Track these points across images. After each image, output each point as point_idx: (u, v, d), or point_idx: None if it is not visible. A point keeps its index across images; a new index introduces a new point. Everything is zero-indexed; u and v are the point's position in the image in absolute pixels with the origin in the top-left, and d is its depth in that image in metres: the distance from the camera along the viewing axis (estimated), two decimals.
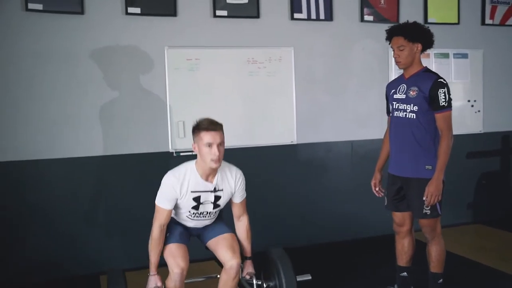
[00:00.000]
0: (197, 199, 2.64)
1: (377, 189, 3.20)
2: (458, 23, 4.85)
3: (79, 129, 3.74)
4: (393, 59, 4.47)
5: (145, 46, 3.87)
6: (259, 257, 3.01)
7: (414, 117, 2.84)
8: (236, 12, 4.07)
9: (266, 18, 4.19)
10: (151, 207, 3.89)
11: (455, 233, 4.62)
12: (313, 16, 4.32)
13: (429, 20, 4.71)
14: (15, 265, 3.65)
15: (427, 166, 2.82)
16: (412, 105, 2.85)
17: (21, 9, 3.54)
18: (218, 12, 4.01)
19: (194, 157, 3.81)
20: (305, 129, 4.37)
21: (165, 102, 3.94)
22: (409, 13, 4.64)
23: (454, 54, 4.86)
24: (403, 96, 2.91)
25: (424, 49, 2.92)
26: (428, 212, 2.85)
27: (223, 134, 2.58)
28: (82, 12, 3.67)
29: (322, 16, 4.35)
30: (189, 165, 2.65)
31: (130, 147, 3.88)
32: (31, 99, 3.63)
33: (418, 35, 2.88)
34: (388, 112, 3.16)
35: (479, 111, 5.00)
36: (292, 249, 3.96)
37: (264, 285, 2.89)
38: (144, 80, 3.89)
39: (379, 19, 4.54)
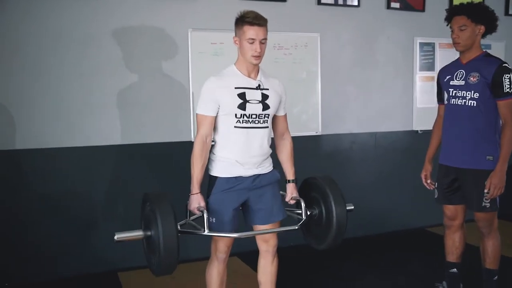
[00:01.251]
0: (242, 96, 2.36)
1: (428, 181, 3.03)
2: None
3: (97, 116, 3.49)
4: (417, 50, 4.46)
5: (168, 28, 3.62)
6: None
7: (475, 105, 2.67)
8: None
9: (293, 2, 3.98)
10: (173, 198, 3.71)
11: (475, 227, 4.51)
12: (341, 1, 4.13)
13: None
14: (24, 260, 3.39)
15: (488, 157, 2.66)
16: (472, 92, 2.67)
17: None
18: None
19: None
20: (329, 119, 4.19)
21: (188, 89, 3.70)
22: (434, 1, 4.51)
23: None
24: (462, 83, 2.72)
25: (486, 33, 2.74)
26: (488, 205, 2.69)
27: (266, 30, 2.39)
28: None
29: (349, 1, 4.16)
30: (229, 66, 2.48)
31: (150, 135, 3.64)
32: (49, 82, 3.36)
33: (483, 17, 2.69)
34: (439, 99, 2.98)
35: None
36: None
37: (308, 211, 2.53)
38: (166, 64, 3.65)
39: (405, 6, 4.38)
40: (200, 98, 2.40)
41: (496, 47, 4.81)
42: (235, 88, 2.37)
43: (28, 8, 3.28)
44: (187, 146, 3.69)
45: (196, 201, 2.41)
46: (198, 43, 3.69)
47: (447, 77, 2.84)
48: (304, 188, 2.65)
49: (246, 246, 3.88)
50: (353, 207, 2.54)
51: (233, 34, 3.71)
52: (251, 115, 2.39)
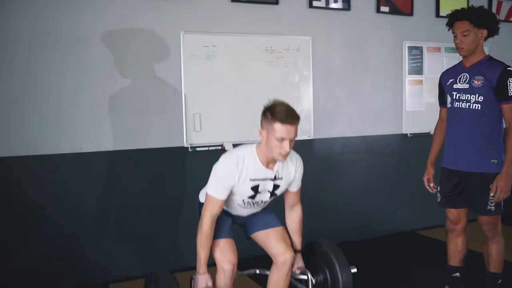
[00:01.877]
0: (255, 188, 2.37)
1: (431, 184, 3.01)
2: None
3: (87, 121, 3.35)
4: (406, 54, 4.49)
5: (160, 31, 3.52)
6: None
7: (479, 108, 2.67)
8: None
9: (285, 5, 3.94)
10: (166, 206, 3.61)
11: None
12: (332, 4, 4.12)
13: (441, 14, 4.62)
14: (14, 271, 3.22)
15: (492, 160, 2.66)
16: (477, 95, 2.67)
17: None
18: None
19: (210, 152, 3.61)
20: (322, 123, 4.16)
21: (180, 93, 3.60)
22: (422, 6, 4.56)
23: None
24: (466, 86, 2.72)
25: (488, 37, 2.75)
26: (493, 208, 2.69)
27: (297, 128, 2.27)
28: None
29: (340, 5, 4.15)
30: (249, 150, 2.36)
31: (142, 141, 3.52)
32: (38, 86, 3.21)
33: (485, 20, 2.70)
34: (442, 102, 2.97)
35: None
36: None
37: (313, 280, 2.60)
38: (158, 67, 3.54)
39: (394, 10, 4.40)
40: (214, 178, 2.34)
41: None
42: (251, 180, 2.34)
43: (17, 11, 3.13)
44: (180, 152, 3.64)
45: (204, 281, 2.37)
46: (191, 46, 3.61)
47: (450, 80, 2.84)
48: (308, 254, 2.71)
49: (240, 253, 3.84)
50: (356, 270, 2.59)
51: (226, 37, 3.71)
52: (258, 201, 2.47)
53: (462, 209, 2.86)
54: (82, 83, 3.32)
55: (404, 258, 3.93)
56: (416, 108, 4.56)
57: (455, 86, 2.79)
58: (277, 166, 2.39)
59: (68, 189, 3.34)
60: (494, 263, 2.84)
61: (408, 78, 4.52)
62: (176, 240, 3.69)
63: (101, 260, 3.44)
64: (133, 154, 3.49)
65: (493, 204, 2.68)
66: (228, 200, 2.42)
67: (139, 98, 3.49)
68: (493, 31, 2.74)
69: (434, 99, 4.65)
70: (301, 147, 4.02)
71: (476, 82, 2.69)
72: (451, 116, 2.83)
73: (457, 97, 2.77)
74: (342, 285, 2.48)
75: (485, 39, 2.75)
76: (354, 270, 2.57)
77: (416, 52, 4.55)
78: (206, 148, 3.68)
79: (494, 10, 4.92)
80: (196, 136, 3.66)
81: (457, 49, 2.76)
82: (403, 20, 4.48)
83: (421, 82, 4.57)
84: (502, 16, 4.99)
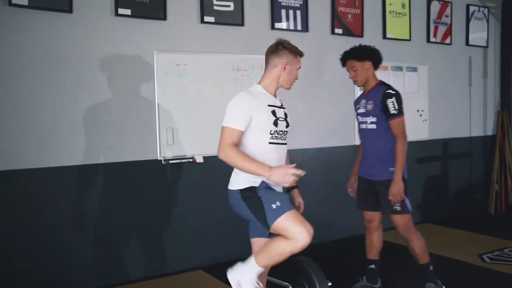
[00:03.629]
0: (274, 113, 2.51)
1: (350, 190, 3.53)
2: (409, 40, 5.30)
3: (63, 136, 3.47)
4: None
5: (134, 50, 3.70)
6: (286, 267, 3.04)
7: (375, 127, 3.20)
8: (222, 19, 4.06)
9: (250, 26, 4.23)
10: (140, 217, 3.77)
11: None
12: (292, 26, 4.46)
13: (387, 36, 5.10)
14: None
15: (391, 168, 3.14)
16: (371, 116, 3.20)
17: (3, 4, 3.21)
18: (206, 18, 3.98)
19: (182, 165, 3.80)
20: None
21: (154, 108, 3.79)
22: (371, 28, 5.00)
23: (406, 67, 5.30)
24: (364, 110, 3.27)
25: (375, 66, 3.27)
26: (399, 208, 3.15)
27: None
28: (70, 10, 3.41)
29: (299, 27, 4.50)
30: (253, 87, 2.61)
31: (117, 155, 3.67)
32: (14, 103, 3.30)
33: (366, 54, 3.24)
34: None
35: (425, 120, 5.50)
36: None
37: None
38: (132, 85, 3.72)
39: (347, 32, 4.81)
40: (230, 112, 2.42)
41: (421, 69, 5.41)
42: (268, 105, 2.51)
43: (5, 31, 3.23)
44: (154, 164, 3.82)
45: (283, 170, 2.33)
46: (163, 64, 3.81)
47: (356, 106, 3.40)
48: (289, 270, 3.04)
49: (210, 260, 4.06)
50: (331, 284, 2.90)
51: (196, 56, 3.94)
52: (280, 131, 2.55)
53: (375, 212, 3.35)
54: (56, 99, 3.43)
55: (356, 258, 4.30)
56: None
57: (358, 111, 3.35)
58: (277, 96, 2.66)
59: (44, 203, 3.42)
60: (421, 257, 3.27)
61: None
62: (152, 247, 3.85)
63: (74, 271, 3.54)
64: (109, 167, 3.63)
65: (398, 205, 3.13)
66: (260, 142, 2.46)
67: (115, 114, 3.65)
68: (376, 61, 3.26)
69: None
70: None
71: (369, 106, 3.22)
72: (360, 135, 3.41)
73: (360, 120, 3.33)
74: None
75: (375, 68, 3.27)
76: (329, 284, 2.90)
77: None
78: (179, 161, 3.88)
79: (431, 33, 5.47)
80: (169, 150, 3.85)
81: (354, 82, 3.31)
82: (355, 41, 4.83)
83: None
84: (438, 39, 5.55)
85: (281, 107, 2.62)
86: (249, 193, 2.45)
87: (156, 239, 3.86)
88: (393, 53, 5.19)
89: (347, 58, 3.29)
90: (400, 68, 5.24)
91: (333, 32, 4.73)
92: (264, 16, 4.32)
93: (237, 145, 2.43)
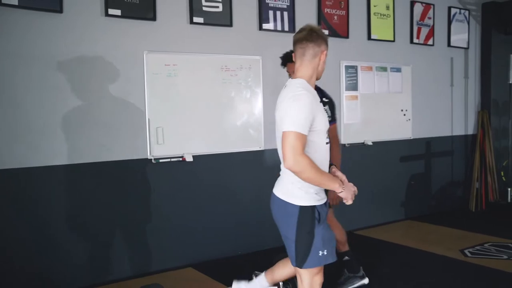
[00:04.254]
0: (325, 110, 2.37)
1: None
2: (393, 41, 5.42)
3: (54, 136, 3.48)
4: (343, 72, 5.01)
5: (124, 50, 3.73)
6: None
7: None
8: (211, 20, 4.11)
9: (238, 27, 4.29)
10: (130, 216, 3.80)
11: (393, 228, 5.26)
12: (279, 27, 4.53)
13: (372, 37, 5.20)
14: None
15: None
16: None
17: None
18: (195, 19, 4.03)
19: (172, 163, 3.84)
20: (271, 135, 4.54)
21: (144, 108, 3.83)
22: (356, 30, 5.10)
23: (390, 68, 5.41)
24: None
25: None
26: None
27: None
28: (60, 10, 3.43)
29: (286, 28, 4.58)
30: (301, 81, 2.31)
31: (108, 154, 3.70)
32: (4, 103, 3.30)
33: None
34: None
35: (409, 119, 5.63)
36: (262, 252, 4.15)
37: None
38: (122, 85, 3.75)
39: (332, 33, 4.90)
40: (295, 115, 2.15)
41: (405, 70, 5.53)
42: (320, 102, 2.29)
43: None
44: (144, 163, 3.86)
45: (351, 188, 2.28)
46: (153, 64, 3.85)
47: None
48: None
49: (200, 257, 4.11)
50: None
51: (186, 56, 3.98)
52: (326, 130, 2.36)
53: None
54: (47, 100, 3.45)
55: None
56: (352, 121, 5.09)
57: None
58: None
59: (34, 202, 3.44)
60: (341, 245, 3.43)
61: (346, 94, 5.04)
62: (142, 246, 3.89)
63: (70, 267, 3.56)
64: (99, 166, 3.66)
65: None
66: (317, 141, 2.24)
67: (106, 114, 3.68)
68: None
69: (368, 112, 5.24)
70: (252, 158, 4.44)
71: None
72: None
73: None
74: None
75: None
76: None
77: (352, 71, 5.09)
78: (168, 160, 3.93)
79: (414, 35, 5.60)
80: (158, 149, 3.89)
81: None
82: (340, 42, 5.00)
83: (356, 97, 5.11)
84: (421, 40, 5.68)
85: (321, 102, 2.37)
86: (307, 219, 2.24)
87: (147, 237, 3.89)
88: (378, 53, 5.31)
89: (289, 60, 3.28)
90: (384, 69, 5.36)
91: None
92: (252, 17, 4.39)
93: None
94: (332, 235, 2.34)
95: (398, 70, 5.49)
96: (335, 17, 4.91)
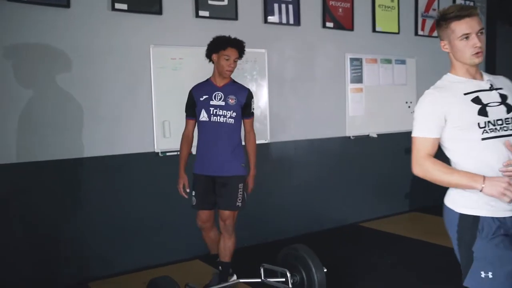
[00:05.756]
0: (477, 100, 1.93)
1: (187, 190, 3.28)
2: (398, 33, 5.41)
3: (63, 130, 3.52)
4: (348, 65, 5.02)
5: (131, 44, 3.76)
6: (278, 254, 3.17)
7: (233, 122, 3.15)
8: (216, 13, 4.13)
9: (243, 20, 4.31)
10: (138, 208, 3.84)
11: (398, 220, 5.30)
12: (284, 20, 4.54)
13: (377, 29, 5.20)
14: None
15: (242, 164, 3.20)
16: (232, 111, 3.14)
17: None
18: (201, 13, 4.04)
19: (178, 157, 3.90)
20: (276, 128, 4.57)
21: (150, 102, 3.86)
22: (361, 22, 5.10)
23: (395, 60, 5.41)
24: (222, 103, 3.14)
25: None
26: (240, 204, 3.16)
27: (480, 18, 1.98)
28: (68, 5, 3.46)
29: (291, 21, 4.59)
30: (443, 76, 2.09)
31: (114, 148, 3.74)
32: (12, 98, 3.34)
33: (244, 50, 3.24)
34: (191, 115, 3.26)
35: (414, 111, 5.61)
36: (265, 244, 4.18)
37: (292, 280, 3.02)
38: (129, 79, 3.78)
39: (337, 26, 4.91)
40: (416, 119, 2.03)
41: (410, 62, 5.53)
42: (464, 94, 1.95)
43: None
44: (151, 157, 3.90)
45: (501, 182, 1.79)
46: (159, 58, 3.88)
47: (205, 97, 3.17)
48: (286, 257, 3.14)
49: (206, 249, 4.16)
50: (326, 270, 2.99)
51: (191, 50, 4.00)
52: (497, 120, 1.92)
53: (211, 210, 3.27)
54: (53, 94, 3.48)
55: (346, 247, 4.44)
56: (357, 113, 5.11)
57: (211, 102, 3.15)
58: (486, 76, 2.05)
59: (39, 195, 3.49)
60: (229, 255, 3.23)
61: (350, 86, 5.05)
62: (152, 238, 3.93)
63: (79, 260, 3.62)
64: (106, 160, 3.70)
65: (240, 201, 3.16)
66: (469, 149, 1.94)
67: (113, 108, 3.71)
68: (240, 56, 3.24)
69: (373, 105, 5.25)
70: (258, 151, 4.44)
71: (230, 100, 3.15)
72: (207, 129, 3.17)
73: (214, 112, 3.13)
74: (317, 284, 2.92)
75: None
76: (325, 270, 2.99)
77: (357, 63, 5.10)
78: (175, 153, 3.94)
79: (419, 27, 5.59)
80: (165, 142, 3.93)
81: (226, 71, 3.15)
82: (345, 35, 5.00)
83: (361, 90, 5.12)
84: (426, 32, 5.67)
85: (492, 88, 1.98)
86: (465, 233, 1.93)
87: (154, 230, 3.94)
88: (382, 46, 5.31)
89: (234, 45, 3.16)
90: (389, 61, 5.36)
91: (324, 26, 4.82)
92: (257, 10, 4.39)
93: (433, 155, 1.99)
94: (510, 257, 1.85)
95: (403, 62, 5.49)
96: (340, 9, 4.91)
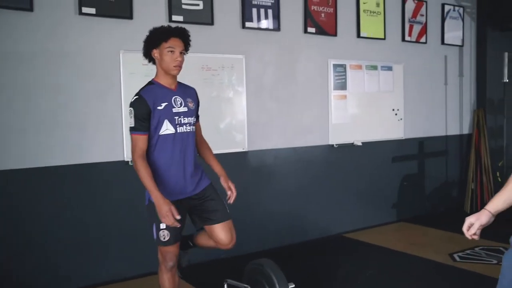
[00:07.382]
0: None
1: (178, 216, 2.49)
2: (384, 38, 5.28)
3: (24, 137, 3.39)
4: (331, 71, 4.88)
5: (99, 49, 3.64)
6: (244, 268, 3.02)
7: (193, 130, 2.70)
8: (191, 18, 4.01)
9: (220, 25, 4.19)
10: (107, 220, 3.70)
11: (384, 231, 5.14)
12: (263, 25, 4.42)
13: (362, 34, 5.08)
14: None
15: (204, 173, 2.81)
16: (193, 117, 2.69)
17: None
18: (174, 17, 3.93)
19: None
20: (255, 136, 4.44)
21: (119, 109, 3.74)
22: (345, 27, 4.97)
23: (381, 66, 5.28)
24: (185, 109, 2.64)
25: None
26: (228, 210, 2.82)
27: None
28: (31, 8, 3.34)
29: (271, 26, 4.47)
30: None
31: (82, 156, 3.61)
32: None
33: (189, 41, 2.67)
34: (146, 129, 2.55)
35: (401, 119, 5.49)
36: (244, 256, 4.04)
37: None
38: (98, 85, 3.65)
39: (320, 31, 4.78)
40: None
41: (396, 68, 5.40)
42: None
43: None
44: (120, 166, 3.77)
45: None
46: (130, 64, 3.75)
47: (164, 104, 2.57)
48: (251, 273, 3.00)
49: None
50: (294, 285, 2.84)
51: None
52: None
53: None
54: (17, 100, 3.36)
55: (330, 259, 4.29)
56: (341, 121, 4.97)
57: (174, 110, 2.60)
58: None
59: (10, 205, 3.37)
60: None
61: (334, 93, 4.92)
62: (123, 250, 3.80)
63: (69, 268, 3.48)
64: (74, 169, 3.57)
65: (228, 208, 2.82)
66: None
67: (80, 114, 3.59)
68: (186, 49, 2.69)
69: (357, 112, 5.12)
70: (235, 160, 4.33)
71: (190, 104, 2.67)
72: (174, 144, 2.60)
73: (179, 122, 2.61)
74: None
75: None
76: (292, 286, 2.84)
77: (340, 70, 4.96)
78: None
79: (406, 32, 5.46)
80: None
81: (174, 67, 2.59)
82: (328, 40, 4.88)
83: (345, 97, 4.99)
84: (413, 37, 5.54)
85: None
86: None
87: (124, 241, 3.80)
88: (368, 52, 5.18)
89: (179, 35, 2.59)
90: (374, 67, 5.23)
91: (306, 31, 4.69)
92: (234, 15, 4.28)
93: None
94: None
95: (389, 68, 5.36)
96: (323, 14, 4.79)
